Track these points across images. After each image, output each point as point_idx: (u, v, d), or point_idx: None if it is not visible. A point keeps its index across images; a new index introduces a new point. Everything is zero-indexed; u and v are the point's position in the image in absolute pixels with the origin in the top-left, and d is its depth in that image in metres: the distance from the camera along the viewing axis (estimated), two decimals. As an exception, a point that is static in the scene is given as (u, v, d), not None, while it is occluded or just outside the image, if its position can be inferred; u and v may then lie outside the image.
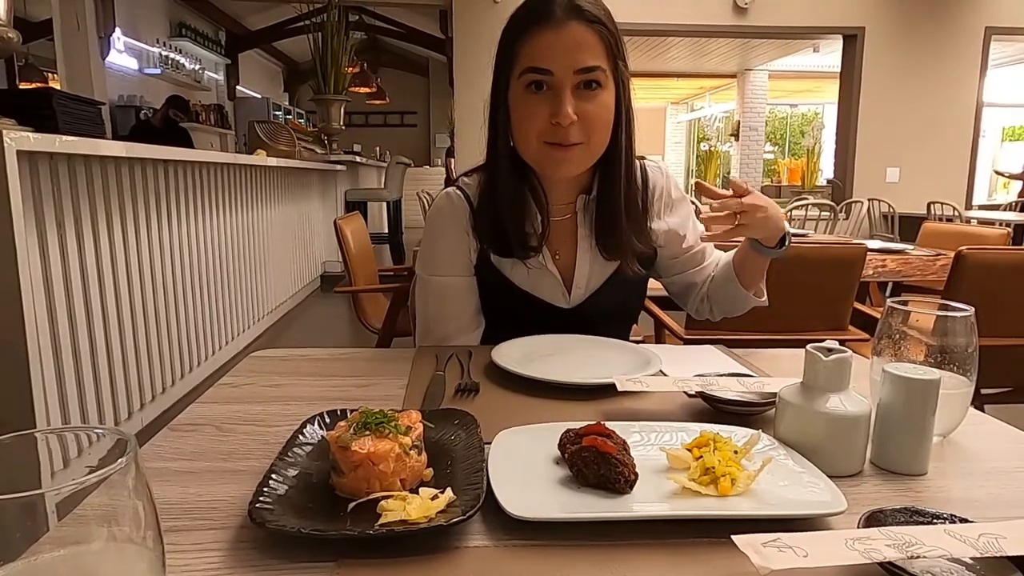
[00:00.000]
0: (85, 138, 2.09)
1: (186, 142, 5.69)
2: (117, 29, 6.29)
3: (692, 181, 13.30)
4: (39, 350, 1.84)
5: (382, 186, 6.89)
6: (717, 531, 0.50)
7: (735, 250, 1.13)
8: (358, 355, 1.01)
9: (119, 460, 0.31)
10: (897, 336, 0.70)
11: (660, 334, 2.04)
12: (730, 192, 0.96)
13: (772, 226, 0.99)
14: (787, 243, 1.04)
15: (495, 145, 1.07)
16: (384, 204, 7.03)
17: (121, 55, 6.82)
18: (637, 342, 1.43)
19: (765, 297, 1.16)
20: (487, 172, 1.09)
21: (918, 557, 0.42)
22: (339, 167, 6.20)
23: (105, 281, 2.28)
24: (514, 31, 0.99)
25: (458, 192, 1.12)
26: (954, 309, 0.68)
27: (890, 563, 0.42)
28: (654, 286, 1.26)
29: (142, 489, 0.33)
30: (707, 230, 1.00)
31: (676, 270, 1.20)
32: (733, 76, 11.02)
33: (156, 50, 7.56)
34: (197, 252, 3.16)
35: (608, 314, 1.15)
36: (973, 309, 0.68)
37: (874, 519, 0.48)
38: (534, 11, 0.97)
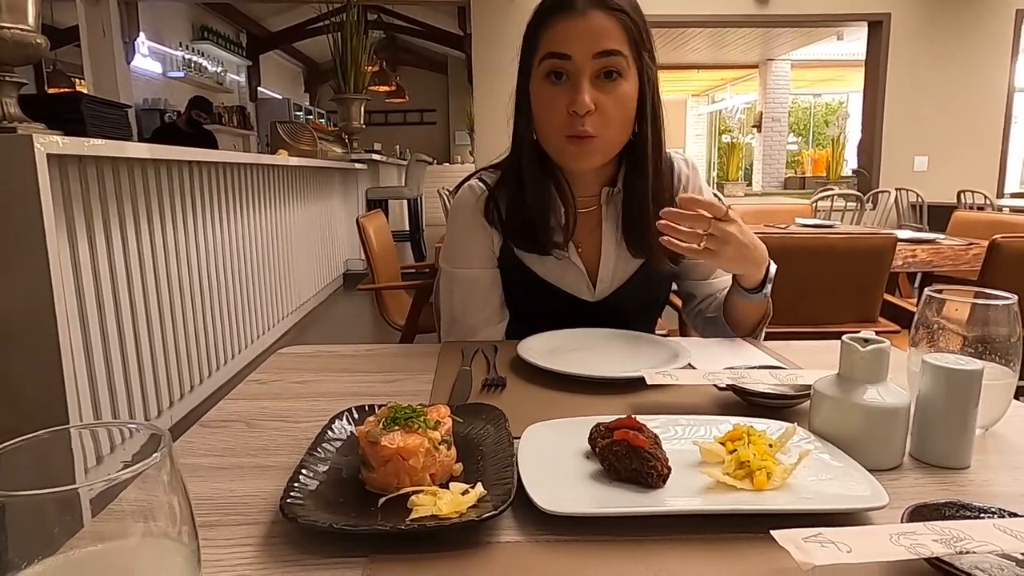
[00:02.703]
0: (112, 141, 2.12)
1: (211, 143, 5.75)
2: (141, 34, 6.40)
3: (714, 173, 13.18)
4: (71, 349, 1.87)
5: (402, 184, 6.92)
6: (753, 526, 0.49)
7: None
8: (384, 351, 1.01)
9: (154, 455, 0.31)
10: (936, 326, 0.68)
11: (685, 327, 2.01)
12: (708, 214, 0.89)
13: (747, 264, 0.94)
14: (766, 290, 0.99)
15: (519, 138, 1.06)
16: (405, 202, 7.05)
17: (145, 59, 6.94)
18: (662, 335, 1.41)
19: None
20: (512, 166, 1.08)
21: (967, 552, 0.40)
22: (360, 166, 6.24)
23: (133, 281, 2.32)
24: (536, 20, 0.99)
25: (480, 184, 1.11)
26: (996, 297, 0.66)
27: (938, 559, 0.41)
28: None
29: (177, 484, 0.33)
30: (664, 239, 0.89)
31: (682, 274, 1.18)
32: (755, 66, 10.88)
33: (179, 54, 7.67)
34: (221, 251, 3.20)
35: (634, 307, 1.14)
36: (1016, 297, 0.66)
37: (919, 513, 0.46)
38: (557, 1, 0.97)
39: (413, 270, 3.59)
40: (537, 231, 1.05)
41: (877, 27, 6.28)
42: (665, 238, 0.88)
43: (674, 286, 1.24)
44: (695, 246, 0.89)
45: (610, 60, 0.94)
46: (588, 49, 0.94)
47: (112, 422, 0.35)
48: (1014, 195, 7.14)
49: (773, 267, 1.00)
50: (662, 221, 0.88)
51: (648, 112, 1.01)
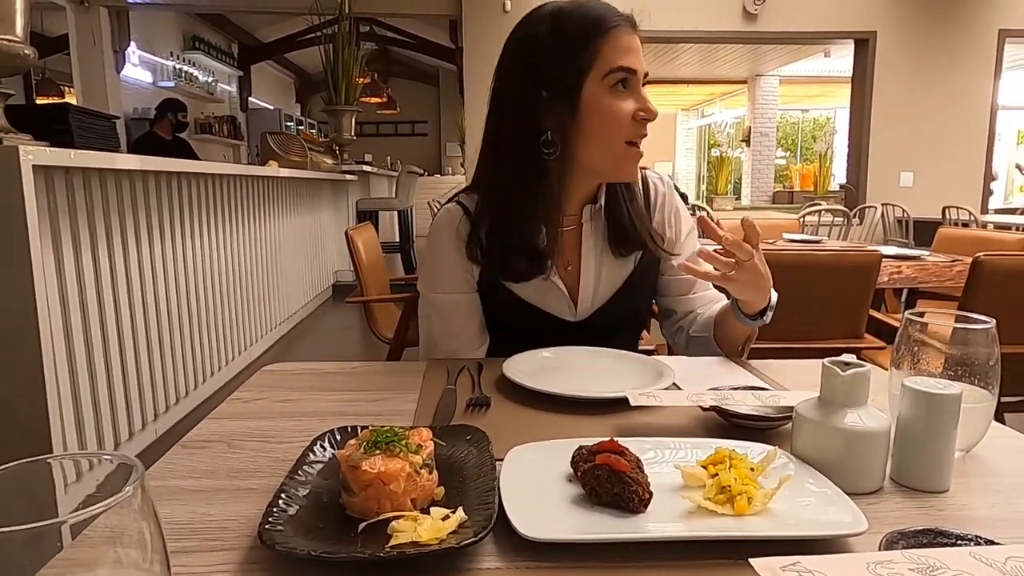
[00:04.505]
0: (100, 152, 2.11)
1: (190, 153, 5.70)
2: (132, 43, 6.38)
3: (703, 193, 13.28)
4: (54, 361, 1.85)
5: (393, 195, 6.92)
6: (734, 552, 0.49)
7: (722, 305, 1.10)
8: (369, 369, 1.01)
9: (125, 489, 0.31)
10: (916, 349, 0.69)
11: (673, 343, 2.02)
12: (739, 237, 0.92)
13: (759, 293, 0.97)
14: (766, 317, 1.01)
15: (522, 158, 1.03)
16: (395, 213, 7.05)
17: (136, 68, 6.91)
18: (649, 352, 1.42)
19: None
20: (500, 192, 1.06)
21: (943, 582, 0.41)
22: (350, 177, 6.23)
23: (119, 292, 2.30)
24: (585, 33, 0.98)
25: (459, 208, 1.10)
26: (975, 321, 0.67)
27: (914, 588, 0.41)
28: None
29: (149, 515, 0.33)
30: (694, 264, 0.94)
31: (661, 290, 1.19)
32: (743, 82, 10.98)
33: (170, 63, 7.65)
34: (210, 263, 3.18)
35: (615, 325, 1.14)
36: (995, 321, 0.67)
37: (896, 541, 0.47)
38: (608, 15, 0.99)
39: (402, 282, 3.58)
40: (524, 257, 1.05)
41: (863, 45, 6.37)
42: (686, 264, 0.93)
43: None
44: (716, 272, 0.93)
45: (647, 79, 1.02)
46: (642, 67, 1.01)
47: (83, 453, 0.35)
48: (998, 211, 7.24)
49: (775, 296, 1.02)
50: (703, 252, 0.93)
51: None
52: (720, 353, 1.10)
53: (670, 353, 1.95)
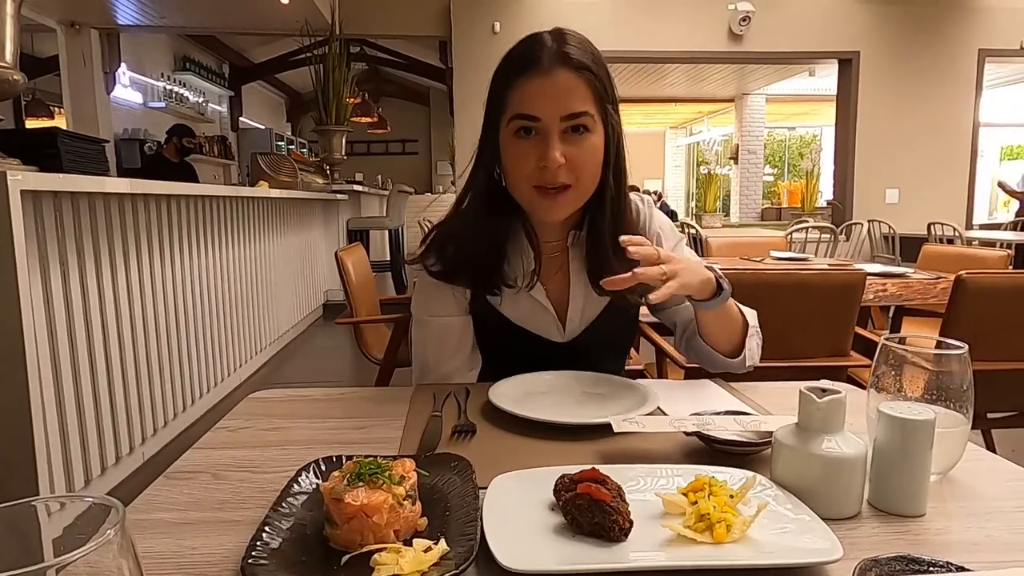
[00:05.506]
0: (89, 176, 2.12)
1: (192, 176, 5.76)
2: (122, 64, 6.40)
3: (691, 205, 13.39)
4: (40, 385, 1.84)
5: (384, 214, 6.92)
6: (713, 580, 0.50)
7: None
8: (356, 395, 1.01)
9: (107, 532, 0.31)
10: (893, 374, 0.70)
11: (662, 363, 2.03)
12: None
13: (696, 275, 0.94)
14: (724, 290, 0.98)
15: (478, 183, 1.06)
16: (386, 232, 7.06)
17: (126, 89, 6.93)
18: (638, 372, 1.43)
19: (742, 360, 1.08)
20: (467, 209, 1.08)
21: (913, 610, 0.41)
22: (341, 196, 6.25)
23: (107, 315, 2.29)
24: (503, 78, 0.99)
25: None
26: (948, 346, 0.68)
27: (885, 617, 0.41)
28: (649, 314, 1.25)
29: (128, 553, 0.33)
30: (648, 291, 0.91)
31: (659, 306, 1.20)
32: (731, 100, 11.14)
33: (160, 84, 7.67)
34: (201, 285, 3.17)
35: (602, 346, 1.15)
36: (967, 346, 0.68)
37: (869, 569, 0.47)
38: (521, 58, 0.98)
39: (393, 302, 3.57)
40: (492, 272, 1.06)
41: (847, 64, 6.48)
42: (630, 275, 0.89)
43: (649, 319, 1.26)
44: (662, 280, 0.90)
45: (577, 120, 0.96)
46: (555, 111, 0.95)
47: (63, 495, 0.35)
48: (982, 226, 7.34)
49: (717, 265, 1.01)
50: (636, 270, 0.88)
51: (612, 160, 1.02)
52: (713, 360, 1.10)
53: (659, 372, 1.96)
